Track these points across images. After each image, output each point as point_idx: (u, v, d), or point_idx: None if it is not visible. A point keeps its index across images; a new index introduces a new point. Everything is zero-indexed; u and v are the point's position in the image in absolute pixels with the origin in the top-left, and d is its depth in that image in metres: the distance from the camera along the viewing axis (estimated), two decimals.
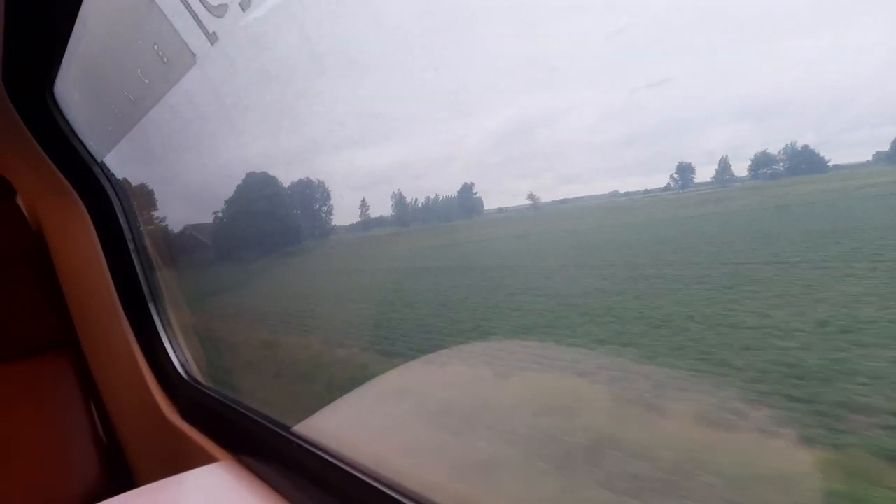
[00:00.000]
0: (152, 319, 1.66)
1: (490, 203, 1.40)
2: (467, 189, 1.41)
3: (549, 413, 0.99)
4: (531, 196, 1.18)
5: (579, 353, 1.14)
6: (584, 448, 0.86)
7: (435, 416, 1.11)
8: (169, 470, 1.19)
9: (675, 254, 1.33)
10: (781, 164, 0.89)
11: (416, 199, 1.65)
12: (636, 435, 0.86)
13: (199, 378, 1.55)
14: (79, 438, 1.67)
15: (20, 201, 1.88)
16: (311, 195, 1.88)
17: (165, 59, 0.95)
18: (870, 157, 0.76)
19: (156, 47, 0.95)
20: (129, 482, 1.74)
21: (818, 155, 0.83)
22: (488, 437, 1.01)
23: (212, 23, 0.80)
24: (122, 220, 1.68)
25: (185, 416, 1.49)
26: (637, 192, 1.08)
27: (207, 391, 1.44)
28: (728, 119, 0.88)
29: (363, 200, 1.66)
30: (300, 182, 1.89)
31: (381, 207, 1.67)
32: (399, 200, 1.66)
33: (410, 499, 0.78)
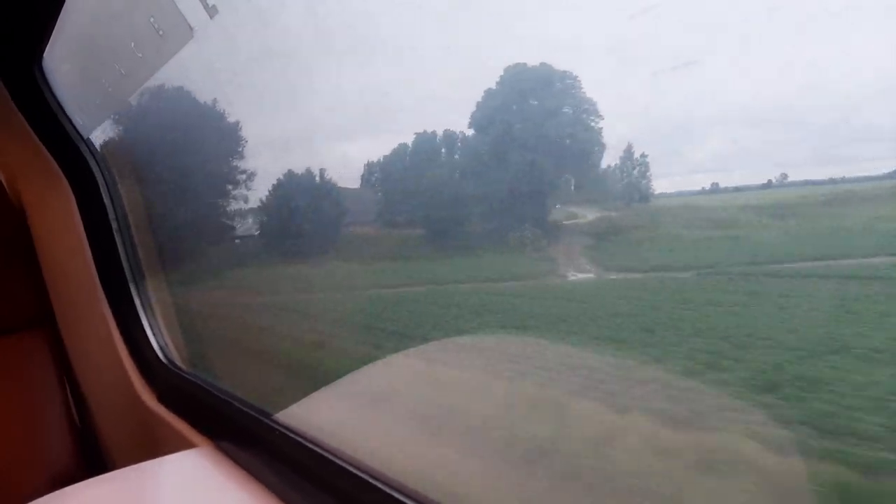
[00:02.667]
0: (133, 301, 1.63)
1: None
2: None
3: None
4: None
5: None
6: None
7: (417, 410, 1.11)
8: (145, 455, 1.16)
9: None
10: None
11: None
12: None
13: (179, 362, 1.52)
14: (51, 420, 1.63)
15: (1, 175, 1.83)
16: None
17: (161, 33, 0.93)
18: None
19: (152, 20, 0.93)
20: (102, 466, 1.70)
21: None
22: (465, 432, 1.00)
23: None
24: (106, 198, 1.64)
25: (163, 400, 1.46)
26: None
27: (187, 376, 1.42)
28: None
29: None
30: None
31: None
32: None
33: (392, 487, 0.77)
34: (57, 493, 1.05)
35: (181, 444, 1.23)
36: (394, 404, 1.13)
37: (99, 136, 1.57)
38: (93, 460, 1.70)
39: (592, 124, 1.13)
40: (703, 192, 1.15)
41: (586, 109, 1.13)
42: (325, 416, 1.11)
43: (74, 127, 1.58)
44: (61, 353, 1.77)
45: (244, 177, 1.87)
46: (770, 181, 1.08)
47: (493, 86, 1.09)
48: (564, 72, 1.11)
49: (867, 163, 0.88)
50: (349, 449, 0.88)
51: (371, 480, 0.79)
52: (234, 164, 1.87)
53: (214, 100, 1.69)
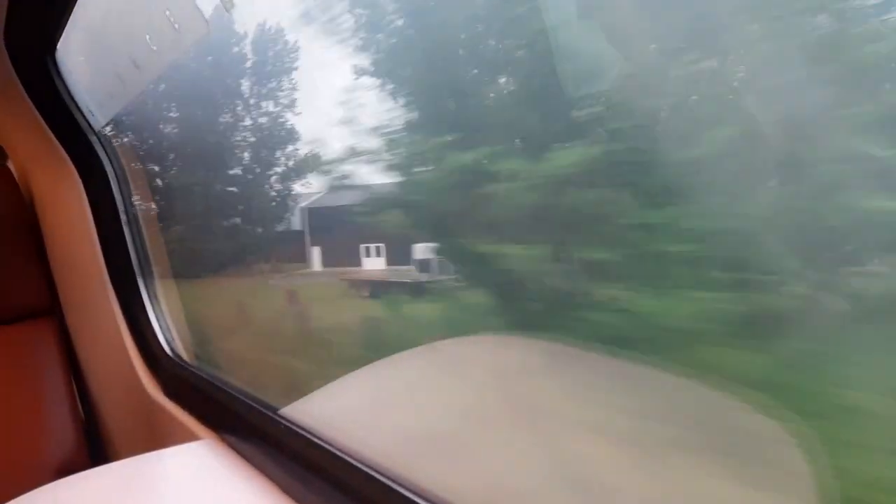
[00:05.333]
0: (140, 294, 1.64)
1: None
2: None
3: None
4: None
5: None
6: None
7: (426, 405, 1.10)
8: (149, 446, 1.17)
9: None
10: None
11: None
12: None
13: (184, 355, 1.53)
14: (55, 410, 1.64)
15: (11, 165, 1.84)
16: None
17: (177, 26, 0.94)
18: None
19: (167, 13, 0.94)
20: (106, 457, 1.71)
21: None
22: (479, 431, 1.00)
23: None
24: (116, 191, 1.65)
25: (169, 392, 1.47)
26: None
27: (193, 369, 1.42)
28: None
29: None
30: None
31: None
32: None
33: (399, 483, 0.77)
34: (60, 481, 1.05)
35: (185, 437, 1.23)
36: (402, 400, 1.12)
37: None
38: (97, 451, 1.70)
39: None
40: None
41: None
42: (329, 412, 1.11)
43: (86, 119, 1.59)
44: (67, 343, 1.78)
45: None
46: None
47: None
48: None
49: None
50: (353, 444, 0.88)
51: (375, 474, 0.79)
52: None
53: None
